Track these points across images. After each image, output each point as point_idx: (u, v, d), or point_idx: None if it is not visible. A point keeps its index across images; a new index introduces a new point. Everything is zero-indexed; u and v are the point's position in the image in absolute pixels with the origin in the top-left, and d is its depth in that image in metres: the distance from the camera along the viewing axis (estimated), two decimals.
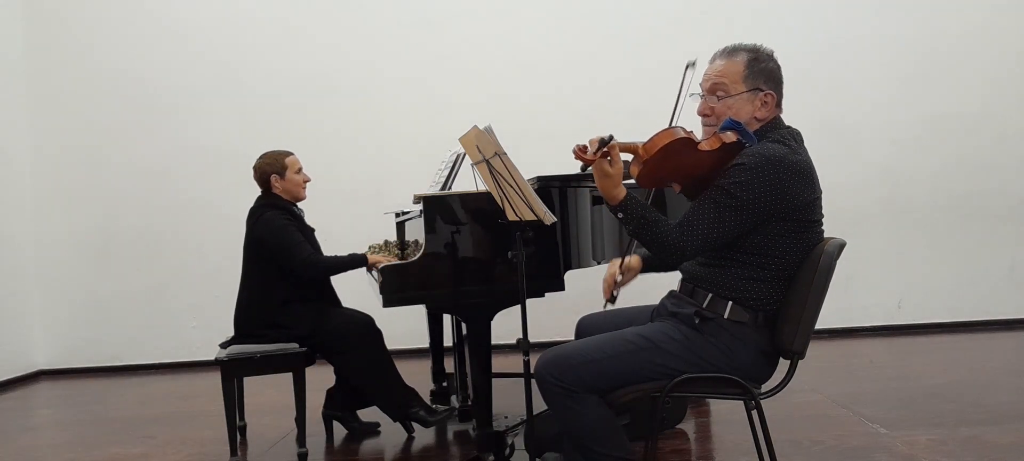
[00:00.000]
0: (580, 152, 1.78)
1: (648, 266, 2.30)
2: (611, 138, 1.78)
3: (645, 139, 1.84)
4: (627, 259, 2.26)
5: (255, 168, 3.30)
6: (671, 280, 2.13)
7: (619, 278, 2.22)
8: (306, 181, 3.34)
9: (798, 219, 1.85)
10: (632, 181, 1.93)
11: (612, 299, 2.24)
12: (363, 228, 4.62)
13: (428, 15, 5.38)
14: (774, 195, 1.80)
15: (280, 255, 3.11)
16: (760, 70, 1.94)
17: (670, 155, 1.81)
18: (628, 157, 1.88)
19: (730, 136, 1.84)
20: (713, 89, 1.96)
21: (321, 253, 3.28)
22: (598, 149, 1.77)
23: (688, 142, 1.81)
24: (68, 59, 5.47)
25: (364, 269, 3.19)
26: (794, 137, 1.93)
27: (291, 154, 3.32)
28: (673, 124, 1.85)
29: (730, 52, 1.97)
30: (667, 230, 1.84)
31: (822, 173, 1.96)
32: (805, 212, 1.86)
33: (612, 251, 2.96)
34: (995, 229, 5.22)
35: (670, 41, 5.17)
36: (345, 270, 3.16)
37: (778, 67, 1.97)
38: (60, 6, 5.47)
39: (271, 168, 3.26)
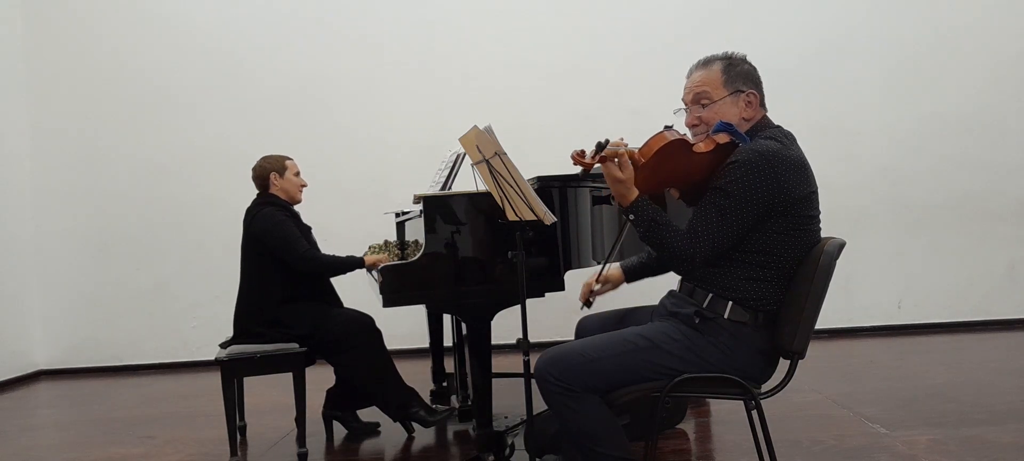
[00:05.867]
0: (578, 157, 1.79)
1: (631, 278, 2.38)
2: (606, 142, 1.79)
3: (640, 144, 1.85)
4: (607, 270, 2.34)
5: (254, 169, 3.34)
6: (671, 280, 2.13)
7: (596, 287, 2.32)
8: (303, 185, 3.39)
9: (796, 215, 1.86)
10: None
11: (587, 304, 2.33)
12: (363, 228, 4.63)
13: (428, 15, 5.38)
14: (771, 189, 1.81)
15: (279, 249, 3.13)
16: (737, 73, 1.98)
17: (666, 159, 1.83)
18: None
19: (723, 137, 1.87)
20: (697, 99, 2.00)
21: (318, 251, 3.29)
22: (595, 153, 1.78)
23: (683, 144, 1.83)
24: (68, 58, 5.48)
25: (364, 269, 3.20)
26: (786, 135, 1.95)
27: (290, 159, 3.38)
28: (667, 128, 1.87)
29: (704, 63, 2.02)
30: (677, 237, 1.85)
31: (822, 173, 1.97)
32: (802, 207, 1.87)
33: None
34: (995, 229, 5.23)
35: (670, 42, 5.18)
36: (342, 271, 3.18)
37: (753, 68, 2.02)
38: (60, 4, 5.47)
39: (271, 167, 3.31)
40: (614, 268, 2.38)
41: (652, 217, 1.86)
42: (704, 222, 1.85)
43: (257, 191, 3.36)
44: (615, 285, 2.38)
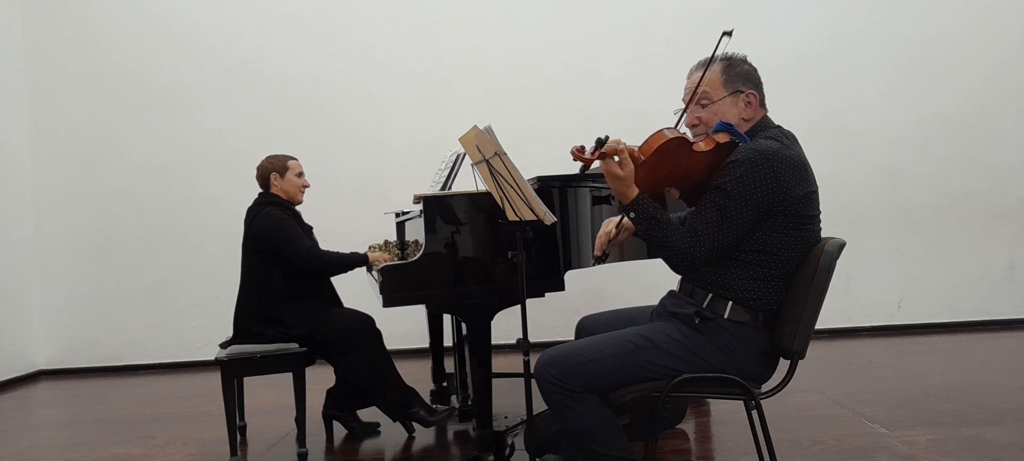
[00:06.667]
0: (578, 153, 1.79)
1: None
2: (606, 139, 1.79)
3: (639, 142, 1.85)
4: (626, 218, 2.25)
5: (258, 167, 3.35)
6: (671, 280, 2.13)
7: (613, 235, 2.21)
8: (305, 186, 3.39)
9: (796, 214, 1.86)
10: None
11: (604, 256, 2.23)
12: (363, 228, 4.63)
13: (428, 15, 5.38)
14: (771, 188, 1.81)
15: (282, 248, 3.13)
16: (737, 73, 1.98)
17: (666, 157, 1.83)
18: None
19: (723, 137, 1.87)
20: (696, 99, 2.00)
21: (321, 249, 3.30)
22: (594, 149, 1.78)
23: (682, 142, 1.82)
24: (68, 58, 5.47)
25: (364, 269, 3.20)
26: (786, 135, 1.95)
27: (295, 159, 3.38)
28: (676, 127, 1.86)
29: (704, 63, 2.01)
30: (678, 235, 1.85)
31: (822, 173, 1.97)
32: (802, 206, 1.87)
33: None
34: (995, 229, 5.23)
35: (670, 42, 5.19)
36: (346, 268, 3.18)
37: (753, 69, 2.01)
38: (60, 4, 5.47)
39: (272, 167, 3.32)
40: None
41: (652, 215, 1.86)
42: (704, 222, 1.84)
43: (259, 190, 3.37)
44: (632, 232, 2.26)
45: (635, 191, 1.85)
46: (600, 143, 1.78)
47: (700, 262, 1.86)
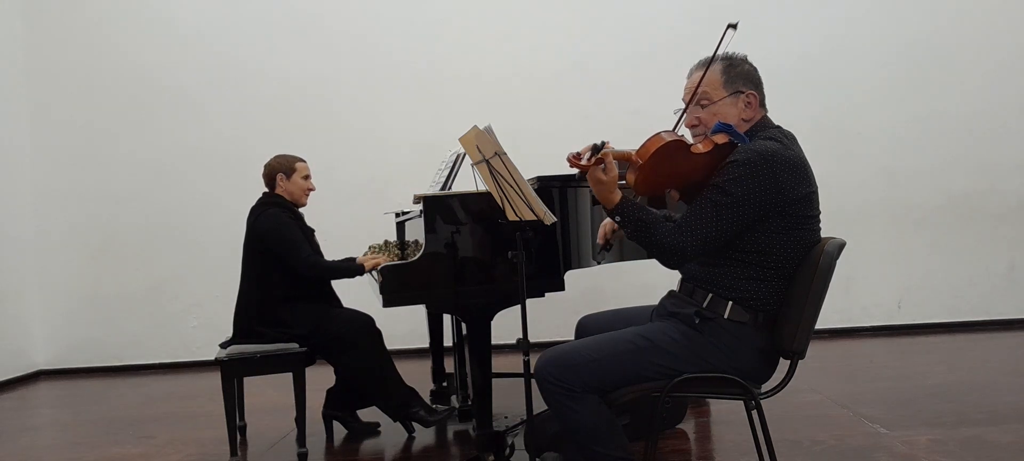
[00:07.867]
0: (574, 159, 1.79)
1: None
2: (603, 144, 1.80)
3: (638, 145, 1.85)
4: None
5: (265, 166, 3.35)
6: (671, 280, 2.13)
7: (617, 227, 2.20)
8: (310, 190, 3.38)
9: (795, 214, 1.86)
10: (629, 190, 1.93)
11: (607, 246, 2.24)
12: (363, 228, 4.63)
13: (429, 15, 5.38)
14: (770, 190, 1.81)
15: (281, 251, 3.14)
16: (737, 73, 1.97)
17: (664, 159, 1.82)
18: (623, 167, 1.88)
19: (722, 137, 1.86)
20: (696, 99, 1.99)
21: (320, 254, 3.30)
22: (591, 155, 1.78)
23: (680, 145, 1.82)
24: (69, 57, 5.48)
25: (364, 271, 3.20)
26: (786, 136, 1.95)
27: (303, 161, 3.37)
28: (673, 129, 1.87)
29: (704, 63, 2.00)
30: (665, 232, 1.85)
31: (822, 173, 1.97)
32: (801, 207, 1.87)
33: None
34: (995, 229, 5.23)
35: (671, 42, 5.18)
36: (341, 276, 3.18)
37: (754, 69, 2.01)
38: (60, 4, 5.47)
39: (279, 167, 3.31)
40: None
41: (637, 216, 1.86)
42: (698, 216, 1.84)
43: (263, 190, 3.36)
44: None
45: (619, 195, 1.86)
46: (597, 149, 1.78)
47: (690, 255, 1.86)
